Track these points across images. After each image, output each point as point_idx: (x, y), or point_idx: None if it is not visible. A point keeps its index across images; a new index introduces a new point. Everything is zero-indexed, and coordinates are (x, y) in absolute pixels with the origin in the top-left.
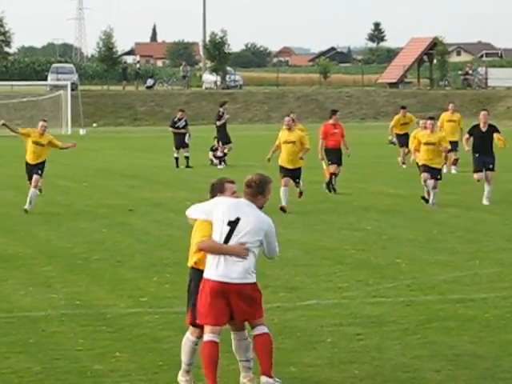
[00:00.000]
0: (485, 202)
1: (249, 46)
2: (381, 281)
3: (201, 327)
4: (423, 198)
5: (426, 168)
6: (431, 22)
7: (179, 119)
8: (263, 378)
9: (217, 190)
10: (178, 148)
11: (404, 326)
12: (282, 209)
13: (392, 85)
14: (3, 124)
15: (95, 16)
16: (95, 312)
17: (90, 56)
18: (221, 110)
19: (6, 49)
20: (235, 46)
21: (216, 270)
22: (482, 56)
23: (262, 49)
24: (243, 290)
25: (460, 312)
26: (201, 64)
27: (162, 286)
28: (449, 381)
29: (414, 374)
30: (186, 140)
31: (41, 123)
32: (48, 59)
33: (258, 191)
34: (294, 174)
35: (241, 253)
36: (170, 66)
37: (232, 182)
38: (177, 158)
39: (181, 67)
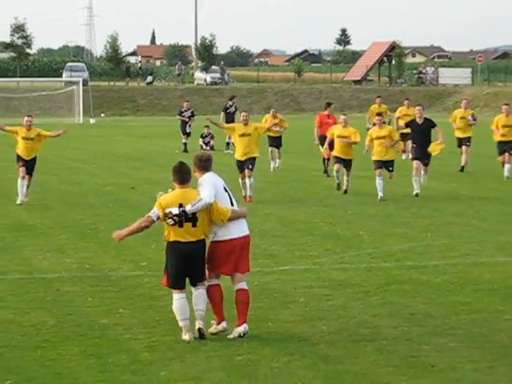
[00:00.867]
0: (416, 189)
1: (234, 48)
2: (346, 250)
3: (178, 288)
4: (339, 187)
5: (380, 163)
6: (390, 27)
7: (186, 110)
8: (243, 327)
9: (210, 166)
10: (184, 134)
11: (366, 288)
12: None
13: (356, 82)
14: None
15: (103, 22)
16: (102, 274)
17: (98, 56)
18: (229, 103)
19: (28, 50)
20: (222, 48)
21: (239, 228)
22: (433, 58)
23: (245, 51)
24: (249, 240)
25: (414, 277)
26: (193, 63)
27: (159, 253)
28: (404, 336)
29: (374, 330)
30: (187, 129)
31: (26, 118)
32: (63, 59)
33: (211, 163)
34: (249, 164)
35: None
36: (167, 65)
37: None
38: (185, 144)
39: (176, 66)
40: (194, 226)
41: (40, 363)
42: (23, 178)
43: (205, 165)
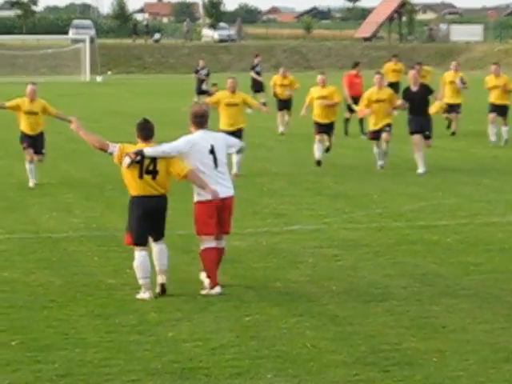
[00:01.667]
0: (421, 168)
1: (242, 5)
2: (355, 209)
3: (142, 244)
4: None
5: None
6: None
7: (202, 68)
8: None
9: (204, 122)
10: (198, 94)
11: (376, 248)
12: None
13: (366, 39)
14: None
15: None
16: (109, 234)
17: (105, 14)
18: (255, 61)
19: (33, 7)
20: (230, 5)
21: (219, 189)
22: (444, 14)
23: (253, 8)
24: (232, 201)
25: (425, 237)
26: (201, 21)
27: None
28: (415, 296)
29: (384, 290)
30: (204, 87)
31: (29, 87)
32: (69, 16)
33: (207, 119)
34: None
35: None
36: (174, 23)
37: None
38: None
39: (184, 23)
40: (154, 178)
41: (47, 323)
42: (31, 161)
43: (199, 121)
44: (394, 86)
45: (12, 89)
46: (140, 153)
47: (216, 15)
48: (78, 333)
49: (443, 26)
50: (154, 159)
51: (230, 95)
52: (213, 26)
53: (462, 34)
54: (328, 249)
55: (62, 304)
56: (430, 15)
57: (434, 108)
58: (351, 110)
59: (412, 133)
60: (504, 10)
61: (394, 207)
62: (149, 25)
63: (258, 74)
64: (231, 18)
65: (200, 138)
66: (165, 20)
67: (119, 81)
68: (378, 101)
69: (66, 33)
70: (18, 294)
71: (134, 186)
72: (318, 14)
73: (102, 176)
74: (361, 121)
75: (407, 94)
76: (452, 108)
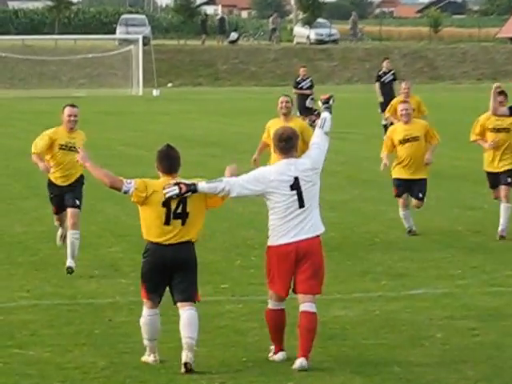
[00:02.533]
0: None
1: None
2: (499, 268)
3: (151, 300)
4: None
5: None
6: None
7: (303, 78)
8: (299, 362)
9: (291, 148)
10: (301, 113)
11: None
12: None
13: None
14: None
15: None
16: (169, 300)
17: (164, 6)
18: (383, 69)
19: None
20: None
21: (294, 229)
22: None
23: None
24: (316, 246)
25: None
26: (291, 15)
27: (246, 271)
28: None
29: None
30: (308, 104)
31: (67, 111)
32: (117, 10)
33: (295, 144)
34: None
35: None
36: (257, 18)
37: None
38: None
39: (270, 19)
40: (184, 223)
41: None
42: (61, 226)
43: (284, 146)
44: None
45: (40, 106)
46: (193, 187)
47: (313, 8)
48: None
49: None
50: (183, 198)
51: (281, 121)
52: (308, 23)
53: None
54: (462, 320)
55: None
56: None
57: None
58: None
59: None
60: None
61: None
62: (224, 21)
63: (388, 84)
64: (332, 11)
65: (275, 172)
66: (244, 15)
67: (183, 95)
68: (495, 129)
69: (113, 31)
70: (48, 380)
71: (154, 231)
72: (448, 6)
73: None
74: None
75: None
76: None
